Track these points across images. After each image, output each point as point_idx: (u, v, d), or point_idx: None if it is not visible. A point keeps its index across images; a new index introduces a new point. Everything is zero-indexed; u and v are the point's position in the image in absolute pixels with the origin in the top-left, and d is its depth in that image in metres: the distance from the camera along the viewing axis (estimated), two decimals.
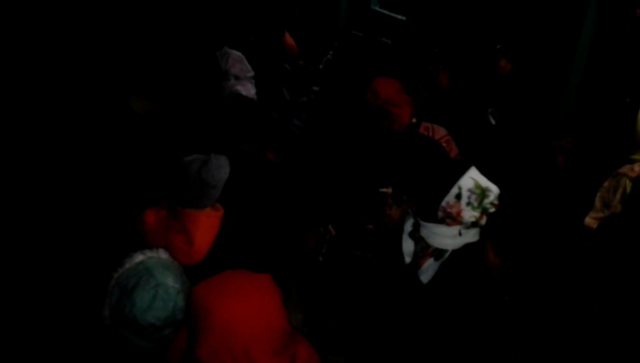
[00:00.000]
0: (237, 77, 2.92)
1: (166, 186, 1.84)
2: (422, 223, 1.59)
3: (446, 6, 3.90)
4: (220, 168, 1.77)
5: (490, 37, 3.50)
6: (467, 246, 1.54)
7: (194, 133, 2.63)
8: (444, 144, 2.12)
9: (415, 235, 1.62)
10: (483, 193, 1.50)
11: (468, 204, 1.50)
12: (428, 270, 1.57)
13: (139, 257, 1.50)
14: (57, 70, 3.55)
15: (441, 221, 1.53)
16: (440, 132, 2.31)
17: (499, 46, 3.18)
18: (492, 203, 1.51)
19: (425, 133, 2.26)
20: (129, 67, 3.22)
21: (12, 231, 2.77)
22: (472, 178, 1.52)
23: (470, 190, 1.50)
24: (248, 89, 2.88)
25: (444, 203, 1.51)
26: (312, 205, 2.11)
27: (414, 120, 2.48)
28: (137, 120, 2.81)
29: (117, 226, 2.28)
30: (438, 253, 1.57)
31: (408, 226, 1.65)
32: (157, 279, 1.43)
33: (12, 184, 3.00)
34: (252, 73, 3.02)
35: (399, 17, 4.54)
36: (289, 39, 3.82)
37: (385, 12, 4.77)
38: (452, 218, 1.51)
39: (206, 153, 1.83)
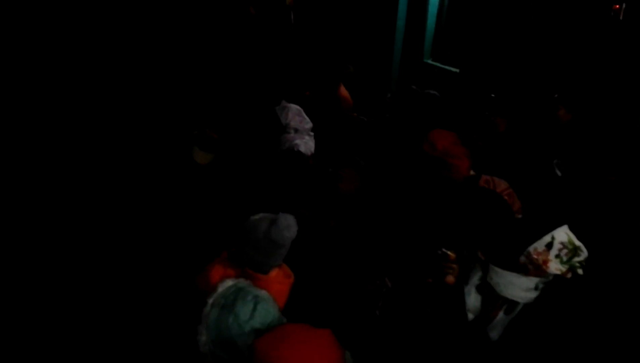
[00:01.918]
0: (296, 130, 2.97)
1: (231, 243, 1.84)
2: (496, 270, 1.54)
3: (501, 57, 3.91)
4: (289, 228, 1.76)
5: (548, 85, 3.45)
6: (539, 302, 1.47)
7: (253, 184, 2.70)
8: (505, 198, 2.06)
9: (482, 289, 1.57)
10: (575, 250, 1.46)
11: (557, 256, 1.46)
12: (497, 325, 1.51)
13: (229, 282, 1.59)
14: (131, 122, 3.79)
15: (521, 268, 1.48)
16: (502, 185, 2.26)
17: (557, 95, 3.12)
18: (580, 263, 1.46)
19: (486, 186, 2.21)
20: (192, 119, 3.40)
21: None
22: (567, 233, 1.50)
23: (563, 243, 1.47)
24: (307, 144, 2.94)
25: (531, 249, 1.48)
26: (369, 258, 2.09)
27: (472, 172, 2.45)
28: (198, 171, 2.93)
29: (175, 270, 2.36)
30: (509, 306, 1.50)
31: (475, 279, 1.60)
32: (253, 292, 1.54)
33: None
34: (310, 125, 3.09)
35: (452, 69, 4.58)
36: (343, 92, 3.92)
37: (438, 64, 4.82)
38: (534, 266, 1.47)
39: (273, 212, 1.83)
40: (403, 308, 1.87)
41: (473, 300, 1.60)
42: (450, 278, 1.69)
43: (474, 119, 3.13)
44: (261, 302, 1.51)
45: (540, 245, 1.47)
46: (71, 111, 3.83)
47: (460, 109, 3.25)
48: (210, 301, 1.52)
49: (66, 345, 2.42)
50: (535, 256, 1.47)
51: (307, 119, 3.10)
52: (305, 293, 1.82)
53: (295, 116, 3.02)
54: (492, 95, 3.43)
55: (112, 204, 3.15)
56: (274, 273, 1.80)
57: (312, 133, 3.09)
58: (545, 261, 1.46)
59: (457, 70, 4.49)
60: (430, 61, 4.94)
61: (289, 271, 1.85)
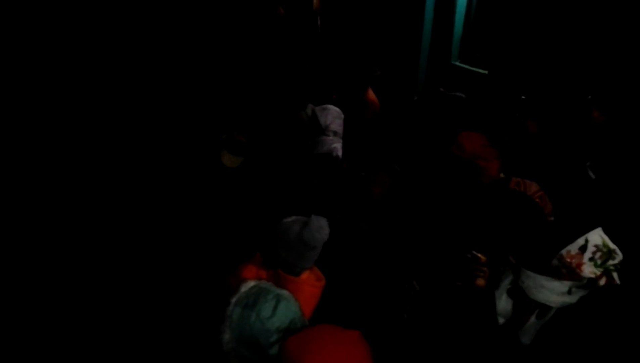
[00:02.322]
0: (335, 133, 2.97)
1: (264, 244, 1.86)
2: (528, 273, 1.52)
3: (532, 57, 3.85)
4: (321, 230, 1.78)
5: (580, 86, 3.37)
6: (571, 308, 1.44)
7: (283, 187, 2.73)
8: (537, 200, 2.03)
9: (513, 293, 1.55)
10: (609, 253, 1.43)
11: (591, 259, 1.44)
12: (530, 329, 1.49)
13: (251, 282, 1.63)
14: (161, 128, 3.88)
15: (553, 272, 1.46)
16: (533, 187, 2.23)
17: (590, 97, 3.05)
18: (615, 266, 1.43)
19: (517, 189, 2.18)
20: (221, 123, 3.46)
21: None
22: (601, 236, 1.47)
23: (597, 246, 1.45)
24: (341, 149, 2.94)
25: (564, 252, 1.46)
26: (398, 261, 2.08)
27: (502, 175, 2.42)
28: (228, 174, 2.98)
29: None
30: (541, 311, 1.48)
31: (506, 283, 1.59)
32: (275, 291, 1.56)
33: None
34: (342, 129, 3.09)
35: (481, 71, 4.52)
36: (371, 95, 3.92)
37: (466, 66, 4.77)
38: (568, 270, 1.44)
39: (306, 215, 1.84)
40: (432, 311, 1.86)
41: (504, 303, 1.58)
42: (481, 281, 1.67)
43: (503, 121, 3.08)
44: (282, 301, 1.53)
45: (573, 247, 1.45)
46: (100, 114, 3.95)
47: (489, 111, 3.21)
48: (233, 300, 1.56)
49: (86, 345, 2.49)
50: (568, 260, 1.44)
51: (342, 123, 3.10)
52: (335, 295, 1.83)
53: (336, 118, 3.02)
54: (523, 97, 3.38)
55: (145, 206, 3.23)
56: (305, 275, 1.81)
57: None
58: (579, 265, 1.43)
59: (486, 72, 4.43)
60: (458, 63, 4.89)
61: (320, 274, 1.86)
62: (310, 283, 1.81)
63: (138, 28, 4.16)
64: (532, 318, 1.50)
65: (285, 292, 1.58)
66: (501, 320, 1.60)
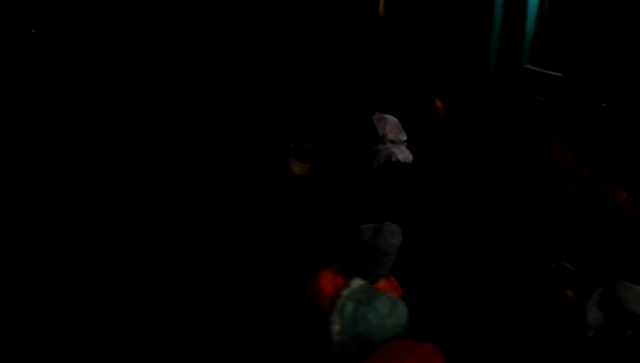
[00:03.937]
0: (392, 142, 3.00)
1: (340, 251, 1.89)
2: (625, 284, 1.44)
3: (612, 60, 3.63)
4: (393, 235, 1.80)
5: None
6: None
7: (351, 194, 2.73)
8: (627, 207, 1.91)
9: (605, 305, 1.46)
10: None
11: None
12: (628, 343, 1.39)
13: (361, 281, 1.70)
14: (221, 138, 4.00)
15: None
16: (621, 194, 2.09)
17: None
18: None
19: (604, 196, 2.05)
20: (289, 131, 3.53)
21: None
22: None
23: None
24: (404, 152, 2.94)
25: None
26: (477, 271, 2.02)
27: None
28: (295, 181, 3.02)
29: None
30: (638, 324, 1.38)
31: (596, 295, 1.50)
32: (387, 293, 1.65)
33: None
34: (405, 137, 3.09)
35: (555, 74, 4.32)
36: (437, 102, 3.86)
37: (539, 69, 4.58)
38: None
39: (380, 222, 1.88)
40: (516, 322, 1.79)
41: (595, 316, 1.50)
42: (569, 292, 1.60)
43: (584, 128, 2.93)
44: (398, 302, 1.61)
45: None
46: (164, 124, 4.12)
47: (569, 117, 3.06)
48: (345, 294, 1.62)
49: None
50: None
51: (403, 131, 3.11)
52: (412, 305, 1.81)
53: (393, 128, 3.06)
54: (604, 104, 3.20)
55: (214, 214, 3.33)
56: (381, 284, 1.81)
57: (406, 144, 3.08)
58: None
59: (561, 75, 4.22)
60: (530, 66, 4.71)
61: (397, 283, 1.86)
62: (387, 291, 1.79)
63: (208, 33, 4.31)
64: (630, 332, 1.40)
65: (396, 297, 1.65)
66: (591, 333, 1.51)
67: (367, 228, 1.84)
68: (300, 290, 1.85)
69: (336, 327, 1.58)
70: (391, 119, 3.11)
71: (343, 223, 2.09)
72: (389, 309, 1.57)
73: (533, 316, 1.76)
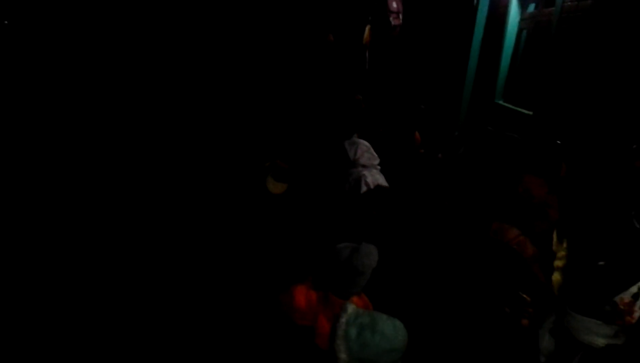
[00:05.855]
0: (364, 166, 3.08)
1: (315, 267, 1.93)
2: (575, 316, 1.56)
3: (579, 100, 3.84)
4: (370, 256, 1.83)
5: (625, 133, 3.35)
6: (617, 349, 1.47)
7: (327, 213, 2.82)
8: (515, 247, 2.04)
9: (557, 333, 1.59)
10: None
11: None
12: None
13: (352, 305, 1.70)
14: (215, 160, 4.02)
15: (603, 316, 1.51)
16: (510, 233, 2.19)
17: (636, 146, 3.03)
18: None
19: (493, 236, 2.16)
20: (267, 152, 3.61)
21: None
22: None
23: None
24: (375, 176, 3.04)
25: (617, 299, 1.51)
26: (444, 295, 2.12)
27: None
28: (273, 199, 3.10)
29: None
30: (586, 352, 1.51)
31: (548, 323, 1.63)
32: (383, 315, 1.63)
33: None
34: (377, 160, 3.19)
35: (525, 111, 4.53)
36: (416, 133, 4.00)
37: (510, 106, 4.80)
38: (619, 315, 1.49)
39: (357, 242, 1.91)
40: (474, 345, 1.88)
41: (546, 343, 1.62)
42: (525, 321, 1.71)
43: (547, 164, 3.10)
44: (396, 321, 1.60)
45: (627, 295, 1.49)
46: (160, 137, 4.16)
47: (538, 153, 3.23)
48: (344, 320, 1.62)
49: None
50: (621, 306, 1.48)
51: (375, 155, 3.20)
52: None
53: (364, 152, 3.13)
54: (558, 141, 3.38)
55: (194, 231, 3.37)
56: (354, 300, 1.86)
57: (379, 168, 3.19)
58: (632, 311, 1.47)
59: (530, 112, 4.43)
60: (501, 102, 4.92)
61: (367, 300, 1.91)
62: (359, 307, 1.84)
63: (179, 45, 4.35)
64: (576, 359, 1.53)
65: (390, 316, 1.64)
66: (542, 360, 1.63)
67: (345, 247, 1.87)
68: (275, 303, 1.87)
69: (343, 356, 1.56)
70: (362, 143, 3.18)
71: (319, 241, 2.13)
72: (394, 330, 1.57)
73: (489, 340, 1.86)
